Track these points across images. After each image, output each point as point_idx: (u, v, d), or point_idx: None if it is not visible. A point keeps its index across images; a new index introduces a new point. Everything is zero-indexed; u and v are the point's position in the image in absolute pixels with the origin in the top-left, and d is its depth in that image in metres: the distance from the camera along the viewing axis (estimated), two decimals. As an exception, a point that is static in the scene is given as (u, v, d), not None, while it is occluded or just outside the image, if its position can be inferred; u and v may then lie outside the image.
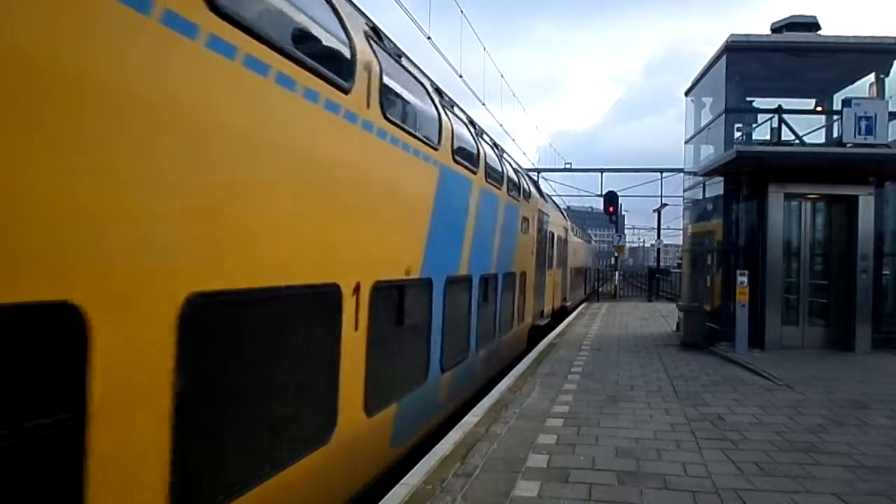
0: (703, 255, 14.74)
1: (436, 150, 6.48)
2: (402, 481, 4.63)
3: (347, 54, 4.36)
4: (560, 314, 19.10)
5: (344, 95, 4.16)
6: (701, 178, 14.80)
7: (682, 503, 4.41)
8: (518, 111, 75.21)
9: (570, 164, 37.67)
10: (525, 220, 12.10)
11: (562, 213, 22.94)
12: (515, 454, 5.36)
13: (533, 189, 14.22)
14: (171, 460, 2.63)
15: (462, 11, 16.13)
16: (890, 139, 11.54)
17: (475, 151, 8.37)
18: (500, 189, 9.80)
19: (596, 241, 57.61)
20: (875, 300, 11.82)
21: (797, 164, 11.76)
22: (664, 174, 32.43)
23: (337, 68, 4.10)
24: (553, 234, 16.78)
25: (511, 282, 10.92)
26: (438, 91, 7.35)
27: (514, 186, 11.20)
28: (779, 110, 12.31)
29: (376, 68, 4.77)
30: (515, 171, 12.05)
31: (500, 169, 9.97)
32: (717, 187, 13.57)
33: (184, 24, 2.61)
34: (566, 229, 21.47)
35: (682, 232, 18.65)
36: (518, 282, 11.60)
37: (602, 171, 34.19)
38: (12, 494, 2.04)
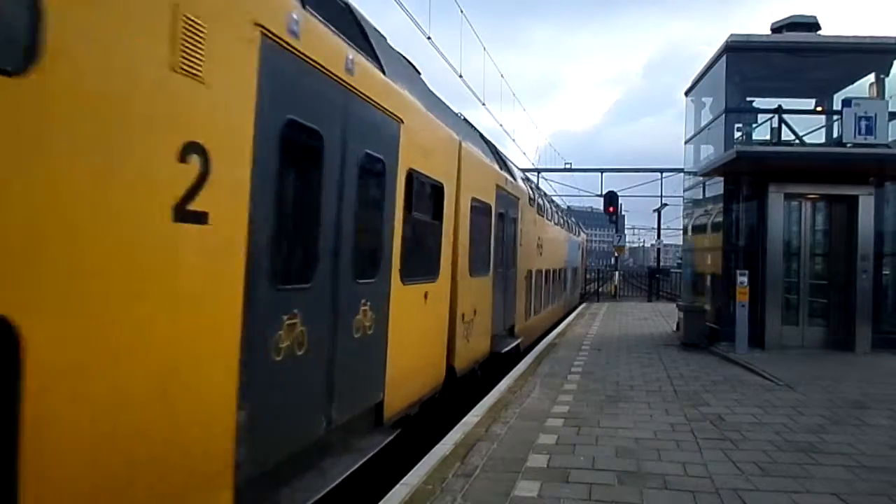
0: (704, 254, 14.74)
1: None
2: (402, 481, 4.63)
3: None
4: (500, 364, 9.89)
5: None
6: (701, 178, 14.80)
7: (682, 503, 4.42)
8: (518, 112, 75.01)
9: (570, 164, 37.80)
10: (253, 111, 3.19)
11: (515, 173, 12.74)
12: (515, 454, 5.36)
13: (359, 54, 4.57)
14: None
15: (462, 12, 16.13)
16: (890, 139, 11.54)
17: None
18: None
19: (596, 242, 57.41)
20: (875, 300, 11.81)
21: (797, 164, 11.76)
22: (664, 174, 32.51)
23: None
24: (471, 202, 8.18)
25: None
26: None
27: None
28: (779, 110, 12.32)
29: None
30: None
31: None
32: (717, 187, 13.57)
33: None
34: (518, 204, 11.78)
35: (682, 232, 18.65)
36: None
37: (602, 171, 34.28)
38: None
